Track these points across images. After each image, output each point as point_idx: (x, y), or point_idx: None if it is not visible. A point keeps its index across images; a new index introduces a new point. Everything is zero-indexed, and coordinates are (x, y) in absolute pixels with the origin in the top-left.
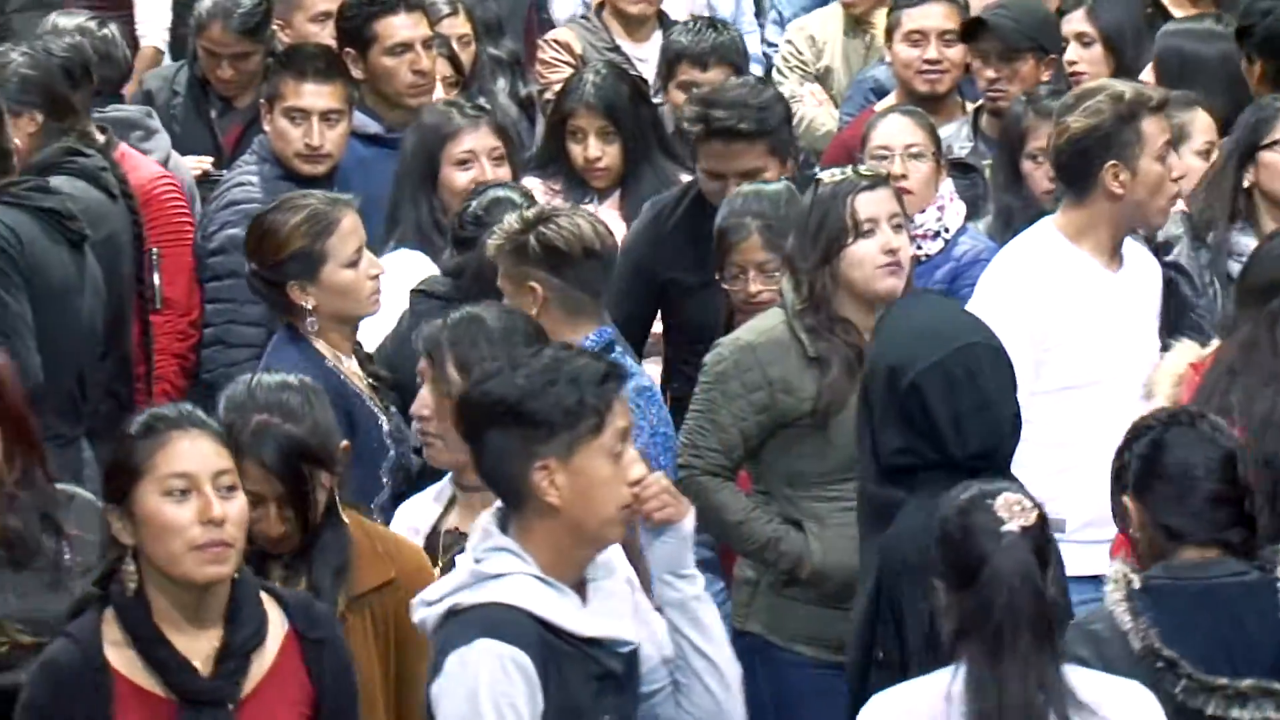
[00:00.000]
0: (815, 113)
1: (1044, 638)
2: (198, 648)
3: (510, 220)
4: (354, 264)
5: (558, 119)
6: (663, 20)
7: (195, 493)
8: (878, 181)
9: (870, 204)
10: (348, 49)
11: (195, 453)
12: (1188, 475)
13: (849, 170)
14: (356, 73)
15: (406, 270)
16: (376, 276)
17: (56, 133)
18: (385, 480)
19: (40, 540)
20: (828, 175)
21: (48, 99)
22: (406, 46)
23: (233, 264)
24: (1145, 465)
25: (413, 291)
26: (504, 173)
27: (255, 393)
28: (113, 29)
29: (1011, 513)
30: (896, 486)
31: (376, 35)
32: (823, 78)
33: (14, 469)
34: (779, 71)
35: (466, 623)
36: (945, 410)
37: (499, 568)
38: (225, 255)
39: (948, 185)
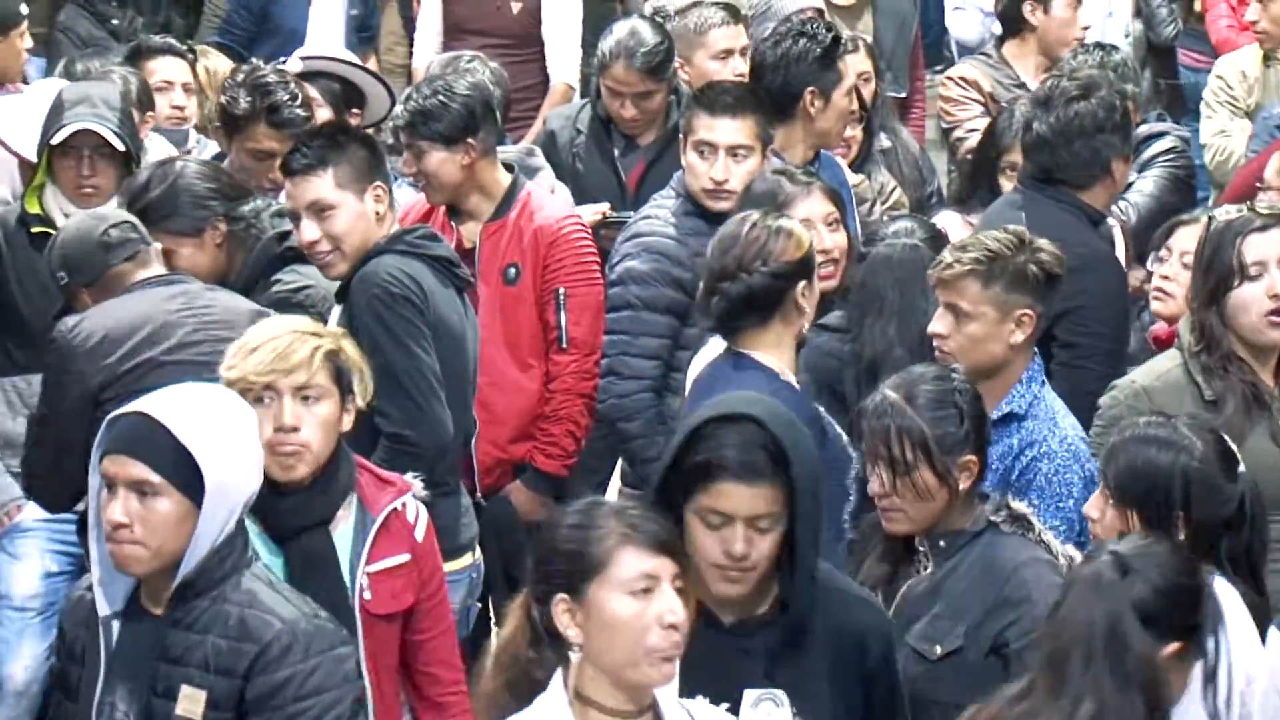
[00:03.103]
0: (1243, 149)
1: None
2: None
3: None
4: None
5: (991, 155)
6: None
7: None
8: (1272, 222)
9: (1260, 246)
10: (812, 88)
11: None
12: None
13: (1245, 208)
14: (810, 112)
15: None
16: None
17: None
18: (851, 489)
19: None
20: (1222, 212)
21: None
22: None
23: (629, 295)
24: None
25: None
26: (840, 238)
27: None
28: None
29: None
30: None
31: (842, 75)
32: (1252, 113)
33: None
34: (1208, 105)
35: None
36: None
37: None
38: (623, 286)
39: None
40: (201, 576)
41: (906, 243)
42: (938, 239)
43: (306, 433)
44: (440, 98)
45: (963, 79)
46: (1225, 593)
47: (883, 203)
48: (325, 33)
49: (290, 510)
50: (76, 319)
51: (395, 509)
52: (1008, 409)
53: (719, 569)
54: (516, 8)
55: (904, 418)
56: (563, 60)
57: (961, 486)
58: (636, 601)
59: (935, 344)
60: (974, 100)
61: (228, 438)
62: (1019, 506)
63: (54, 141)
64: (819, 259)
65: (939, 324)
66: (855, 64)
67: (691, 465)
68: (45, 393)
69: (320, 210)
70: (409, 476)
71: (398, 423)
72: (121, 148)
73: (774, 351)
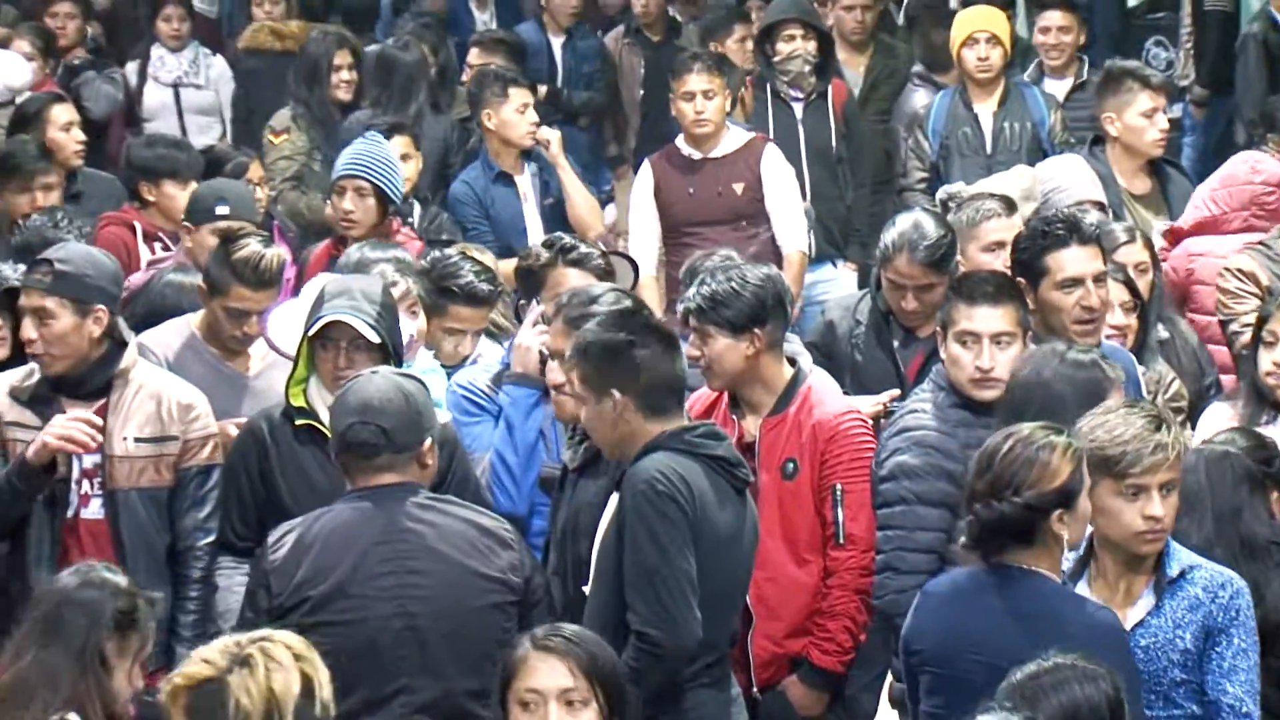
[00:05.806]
0: None
1: None
2: None
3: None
4: None
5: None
6: None
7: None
8: None
9: None
10: (1020, 278)
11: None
12: None
13: None
14: (1028, 302)
15: None
16: None
17: None
18: None
19: None
20: None
21: None
22: (1077, 282)
23: (902, 490)
24: None
25: None
26: None
27: None
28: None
29: None
30: None
31: (1048, 269)
32: None
33: None
34: None
35: None
36: None
37: None
38: (895, 482)
39: None
40: None
41: (1218, 448)
42: (1261, 448)
43: None
44: (733, 285)
45: (1240, 271)
46: None
47: (1163, 394)
48: (534, 225)
49: None
50: (284, 531)
51: None
52: (1179, 568)
53: None
54: (739, 188)
55: None
56: (791, 229)
57: None
58: None
59: (1155, 528)
60: (1251, 294)
61: None
62: None
63: (310, 333)
64: None
65: (1160, 508)
66: (1131, 255)
67: None
68: (245, 595)
69: None
70: None
71: (645, 621)
72: (377, 340)
73: (1040, 566)
